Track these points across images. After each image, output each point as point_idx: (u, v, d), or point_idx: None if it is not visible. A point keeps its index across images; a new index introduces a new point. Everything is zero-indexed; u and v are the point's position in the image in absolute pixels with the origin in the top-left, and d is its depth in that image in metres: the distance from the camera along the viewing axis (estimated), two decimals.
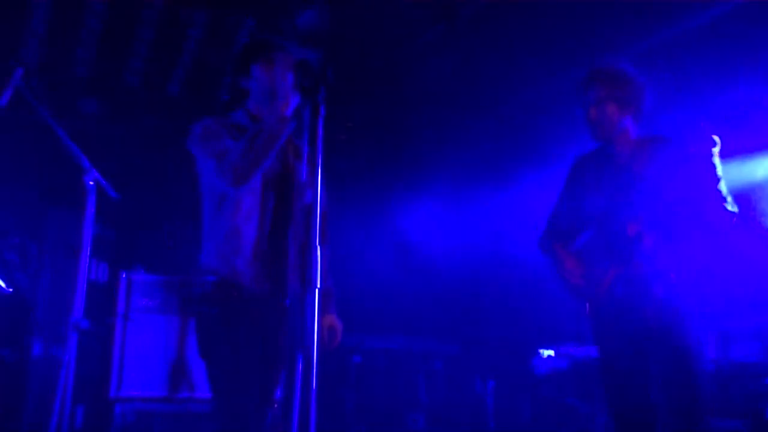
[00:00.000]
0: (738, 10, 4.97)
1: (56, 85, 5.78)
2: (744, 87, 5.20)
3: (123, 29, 5.75)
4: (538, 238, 3.86)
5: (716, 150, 3.39)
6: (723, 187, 3.35)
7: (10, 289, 4.98)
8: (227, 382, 3.05)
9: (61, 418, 3.92)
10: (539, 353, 5.88)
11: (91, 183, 4.27)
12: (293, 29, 5.71)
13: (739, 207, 3.36)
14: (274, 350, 3.14)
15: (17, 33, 5.65)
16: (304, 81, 2.75)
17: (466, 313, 6.88)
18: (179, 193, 6.44)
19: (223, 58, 6.12)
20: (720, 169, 3.38)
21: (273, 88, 3.13)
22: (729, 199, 3.34)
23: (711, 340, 5.20)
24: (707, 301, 3.60)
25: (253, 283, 3.10)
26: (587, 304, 3.62)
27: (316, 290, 2.53)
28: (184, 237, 6.36)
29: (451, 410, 6.16)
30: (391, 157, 7.24)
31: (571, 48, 5.64)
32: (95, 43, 5.81)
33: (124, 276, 5.01)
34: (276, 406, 3.21)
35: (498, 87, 6.37)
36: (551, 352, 5.81)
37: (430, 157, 7.15)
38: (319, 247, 3.13)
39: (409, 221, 7.41)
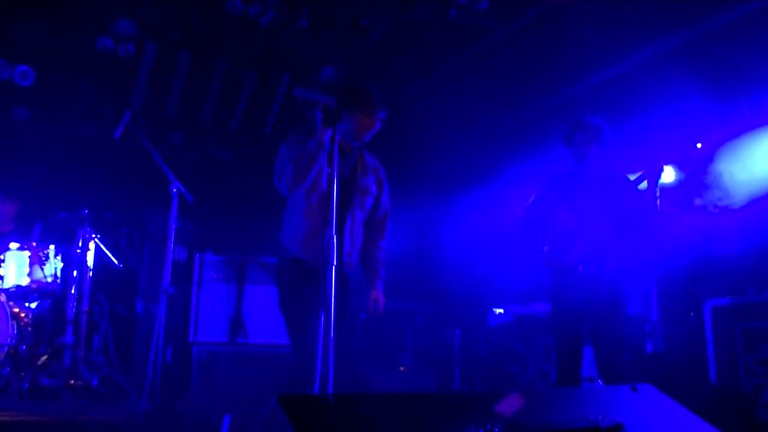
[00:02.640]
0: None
1: (153, 123, 5.83)
2: None
3: (199, 84, 5.81)
4: (512, 229, 3.83)
5: (662, 178, 3.53)
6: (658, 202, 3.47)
7: (121, 265, 5.03)
8: (296, 329, 3.05)
9: (157, 354, 3.98)
10: (492, 310, 5.89)
11: (175, 190, 4.32)
12: (317, 81, 5.74)
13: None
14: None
15: (128, 86, 5.71)
16: (327, 118, 2.78)
17: (441, 281, 6.84)
18: (236, 198, 6.50)
19: (269, 103, 6.16)
20: (658, 191, 3.49)
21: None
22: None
23: None
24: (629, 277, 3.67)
25: (309, 261, 3.04)
26: (554, 274, 3.64)
27: (333, 267, 2.57)
28: (240, 229, 6.36)
29: (429, 352, 6.14)
30: (388, 168, 7.20)
31: (523, 87, 5.63)
32: (180, 94, 5.86)
33: (197, 257, 5.03)
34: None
35: (468, 115, 6.35)
36: (501, 310, 5.82)
37: (419, 165, 7.09)
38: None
39: (407, 220, 7.35)
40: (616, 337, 3.47)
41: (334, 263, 2.57)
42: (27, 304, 4.77)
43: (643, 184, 3.63)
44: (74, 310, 4.63)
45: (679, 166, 5.20)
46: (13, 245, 4.75)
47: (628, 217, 3.55)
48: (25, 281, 4.73)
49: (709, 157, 4.95)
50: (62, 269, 4.84)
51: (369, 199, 3.25)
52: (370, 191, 3.24)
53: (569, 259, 3.53)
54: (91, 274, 4.81)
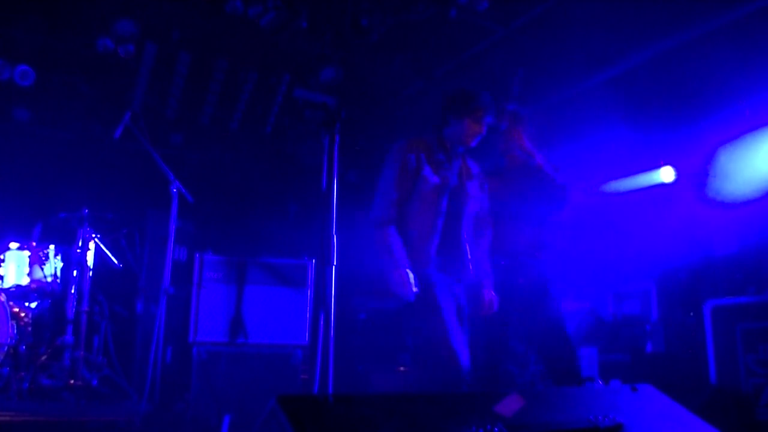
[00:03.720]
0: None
1: (153, 123, 5.84)
2: None
3: (199, 84, 5.80)
4: None
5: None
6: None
7: (121, 265, 5.02)
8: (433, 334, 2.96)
9: (156, 354, 3.98)
10: None
11: (175, 191, 4.32)
12: (317, 82, 5.73)
13: None
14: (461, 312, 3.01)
15: (127, 87, 5.70)
16: (325, 119, 2.78)
17: None
18: (236, 198, 6.51)
19: (269, 103, 6.16)
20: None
21: None
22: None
23: (609, 299, 5.23)
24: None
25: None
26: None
27: (333, 267, 2.57)
28: (240, 229, 6.36)
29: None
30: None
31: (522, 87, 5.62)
32: (180, 95, 5.86)
33: (197, 257, 4.97)
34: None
35: None
36: None
37: None
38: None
39: None
40: (550, 327, 3.31)
41: (334, 263, 2.57)
42: (27, 304, 4.77)
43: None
44: (74, 310, 4.63)
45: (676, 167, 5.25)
46: (13, 245, 4.74)
47: (540, 203, 3.47)
48: (25, 281, 4.73)
49: (710, 156, 4.99)
50: (62, 269, 4.83)
51: (476, 203, 3.20)
52: (475, 195, 3.18)
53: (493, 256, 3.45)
54: (91, 274, 4.80)
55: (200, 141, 6.46)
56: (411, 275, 2.85)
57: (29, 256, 4.76)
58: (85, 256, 4.76)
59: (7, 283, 4.68)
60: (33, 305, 4.82)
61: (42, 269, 4.73)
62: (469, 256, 3.12)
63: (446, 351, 2.75)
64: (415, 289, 2.84)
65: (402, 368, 5.79)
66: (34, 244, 4.81)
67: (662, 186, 5.42)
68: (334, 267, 2.57)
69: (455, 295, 3.02)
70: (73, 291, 4.66)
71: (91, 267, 4.83)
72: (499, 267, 3.41)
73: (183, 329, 4.91)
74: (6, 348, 4.33)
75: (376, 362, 5.85)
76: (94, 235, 4.86)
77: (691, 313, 4.61)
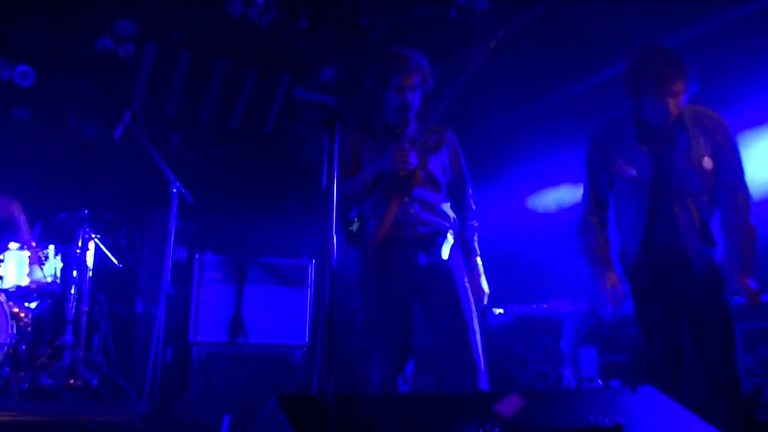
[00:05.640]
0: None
1: (153, 123, 5.85)
2: None
3: (198, 84, 5.80)
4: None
5: None
6: None
7: (120, 265, 5.02)
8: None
9: (156, 354, 3.98)
10: (492, 311, 5.88)
11: (175, 191, 4.33)
12: (317, 82, 5.73)
13: None
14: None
15: (128, 86, 5.70)
16: (325, 119, 2.75)
17: None
18: (236, 198, 6.50)
19: (269, 103, 6.15)
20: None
21: None
22: None
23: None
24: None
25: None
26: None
27: (333, 267, 2.55)
28: (240, 229, 6.35)
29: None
30: None
31: (523, 87, 5.65)
32: (180, 94, 5.85)
33: (197, 257, 5.00)
34: None
35: (468, 115, 6.32)
36: (501, 310, 5.81)
37: None
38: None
39: None
40: (458, 326, 2.93)
41: (334, 263, 2.56)
42: (27, 304, 4.77)
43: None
44: (74, 310, 4.63)
45: None
46: (13, 245, 4.74)
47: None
48: (24, 281, 4.73)
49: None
50: (62, 269, 4.84)
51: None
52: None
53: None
54: (90, 274, 4.81)
55: (200, 141, 6.45)
56: None
57: (29, 257, 4.76)
58: (85, 256, 4.76)
59: (7, 283, 4.68)
60: (33, 305, 4.82)
61: (42, 269, 4.73)
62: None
63: None
64: None
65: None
66: (33, 244, 4.81)
67: None
68: (333, 267, 2.56)
69: None
70: (72, 291, 4.66)
71: (91, 267, 4.83)
72: None
73: (183, 329, 4.91)
74: (6, 348, 4.33)
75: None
76: (94, 235, 4.86)
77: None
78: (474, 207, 3.35)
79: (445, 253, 3.05)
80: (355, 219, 3.13)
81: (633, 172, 2.94)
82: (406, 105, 3.09)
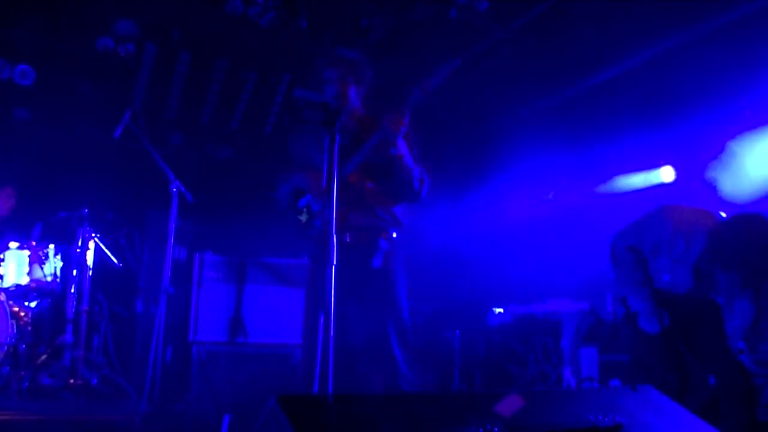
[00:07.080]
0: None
1: (153, 123, 5.84)
2: None
3: (199, 84, 5.80)
4: None
5: None
6: None
7: (120, 265, 5.02)
8: None
9: (156, 354, 3.98)
10: (492, 311, 5.88)
11: (175, 190, 4.32)
12: (317, 82, 5.71)
13: None
14: None
15: (128, 86, 5.70)
16: (325, 119, 2.76)
17: (442, 282, 6.84)
18: (236, 198, 6.49)
19: (269, 103, 6.15)
20: None
21: None
22: None
23: (609, 301, 5.21)
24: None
25: None
26: None
27: (333, 267, 2.55)
28: (240, 229, 6.34)
29: (428, 352, 6.14)
30: None
31: (523, 87, 5.64)
32: (180, 94, 5.85)
33: (197, 257, 4.97)
34: None
35: (468, 115, 6.34)
36: (501, 310, 5.82)
37: None
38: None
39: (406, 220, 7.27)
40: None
41: (334, 263, 2.55)
42: (27, 304, 4.77)
43: None
44: (74, 309, 4.63)
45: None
46: (13, 244, 4.75)
47: None
48: (24, 280, 4.73)
49: (710, 156, 4.99)
50: (62, 269, 4.84)
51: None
52: None
53: None
54: (90, 274, 4.81)
55: (200, 141, 6.45)
56: None
57: (29, 256, 4.76)
58: (85, 255, 4.76)
59: (7, 282, 4.68)
60: (33, 305, 4.82)
61: (42, 269, 4.73)
62: None
63: None
64: None
65: None
66: (33, 243, 4.81)
67: (662, 186, 5.42)
68: (334, 267, 2.55)
69: None
70: (72, 290, 4.66)
71: (91, 266, 4.83)
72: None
73: (183, 329, 4.91)
74: (6, 347, 4.33)
75: (376, 362, 5.83)
76: (93, 235, 4.86)
77: None
78: None
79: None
80: (304, 210, 3.27)
81: None
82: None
